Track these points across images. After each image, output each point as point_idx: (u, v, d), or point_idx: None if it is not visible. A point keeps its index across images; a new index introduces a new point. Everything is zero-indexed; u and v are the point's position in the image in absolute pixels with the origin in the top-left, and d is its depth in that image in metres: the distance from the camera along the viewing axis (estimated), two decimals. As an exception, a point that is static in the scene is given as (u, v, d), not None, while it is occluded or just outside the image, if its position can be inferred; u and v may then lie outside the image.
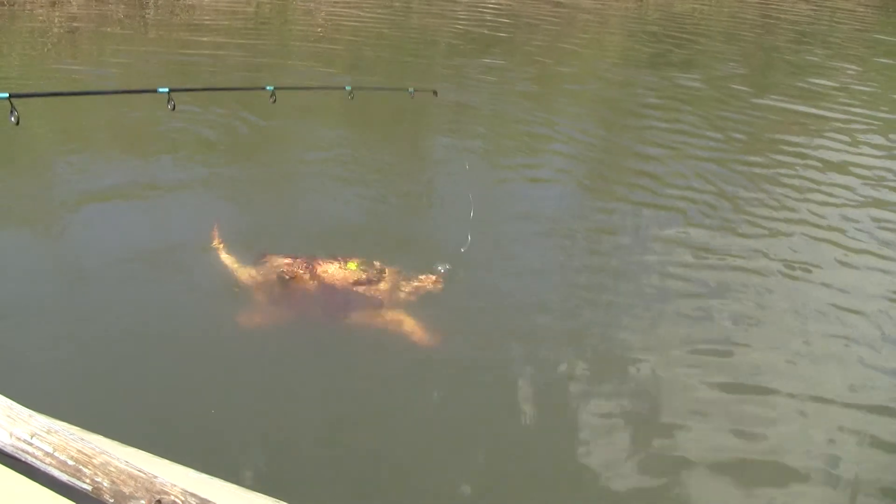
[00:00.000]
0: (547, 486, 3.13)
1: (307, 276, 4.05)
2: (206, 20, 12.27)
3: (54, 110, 7.25)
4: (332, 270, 4.10)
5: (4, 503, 1.67)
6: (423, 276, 4.22)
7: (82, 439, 1.62)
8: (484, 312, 4.24)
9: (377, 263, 4.23)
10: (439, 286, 4.18)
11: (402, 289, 4.11)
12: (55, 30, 10.60)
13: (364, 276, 4.07)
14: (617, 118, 9.05)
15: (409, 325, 3.83)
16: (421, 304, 4.05)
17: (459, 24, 13.66)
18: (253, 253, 4.32)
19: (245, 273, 4.15)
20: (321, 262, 4.16)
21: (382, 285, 4.08)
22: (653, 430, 3.49)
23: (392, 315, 3.91)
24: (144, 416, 3.06)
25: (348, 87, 4.47)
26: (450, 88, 9.47)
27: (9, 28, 10.72)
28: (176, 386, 3.39)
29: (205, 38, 10.81)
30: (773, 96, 10.26)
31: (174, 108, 3.31)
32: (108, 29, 11.01)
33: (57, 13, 11.45)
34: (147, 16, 11.85)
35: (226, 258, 4.29)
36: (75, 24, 10.71)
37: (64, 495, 1.66)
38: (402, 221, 5.52)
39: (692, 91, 10.44)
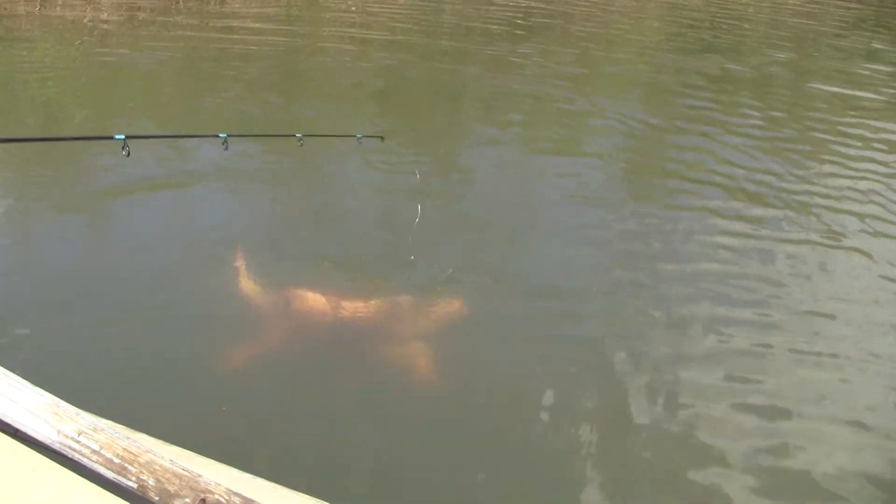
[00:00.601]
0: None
1: (327, 308, 3.91)
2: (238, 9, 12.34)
3: (92, 99, 7.39)
4: (353, 303, 3.95)
5: (53, 498, 1.70)
6: (445, 302, 4.11)
7: (128, 438, 1.63)
8: (511, 328, 4.12)
9: (398, 295, 4.11)
10: (464, 310, 4.06)
11: (425, 317, 4.00)
12: (86, 24, 10.74)
13: (385, 312, 3.95)
14: (660, 99, 8.99)
15: (428, 358, 3.72)
16: (444, 332, 3.96)
17: (494, 9, 13.58)
18: (273, 281, 4.19)
19: (264, 301, 4.04)
20: (341, 296, 4.01)
21: (404, 317, 3.96)
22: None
23: (413, 348, 3.80)
24: (188, 414, 3.09)
25: (298, 135, 4.39)
26: (488, 73, 9.48)
27: (41, 25, 10.89)
28: (213, 385, 3.42)
29: (237, 27, 10.89)
30: (821, 81, 10.05)
31: (129, 155, 3.04)
32: (141, 26, 11.14)
33: (89, 10, 11.58)
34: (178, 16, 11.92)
35: (245, 284, 4.16)
36: (105, 24, 10.83)
37: (111, 492, 1.67)
38: (432, 222, 5.36)
39: (737, 75, 10.28)
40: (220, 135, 3.65)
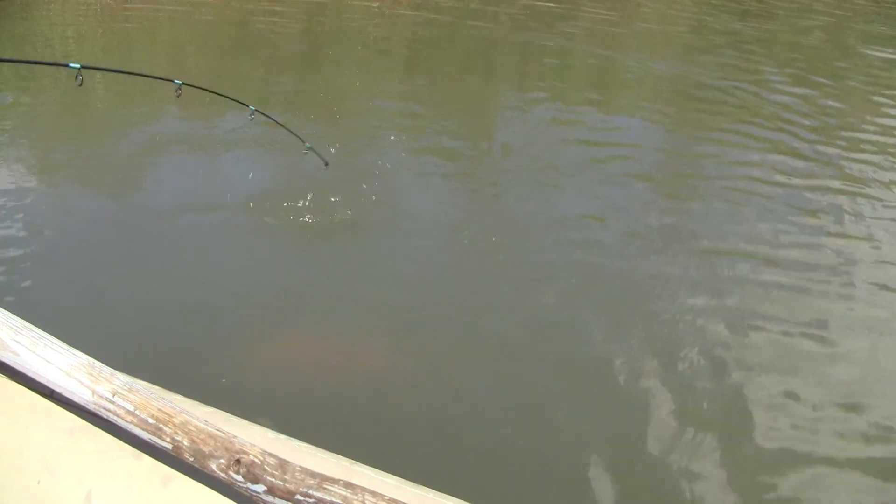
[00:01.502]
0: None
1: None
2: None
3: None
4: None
5: (89, 459, 1.70)
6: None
7: (163, 398, 1.62)
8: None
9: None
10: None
11: None
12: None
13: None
14: (699, 57, 8.89)
15: None
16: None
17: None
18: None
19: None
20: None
21: None
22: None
23: None
24: (220, 375, 3.10)
25: (250, 108, 3.76)
26: (521, 30, 9.40)
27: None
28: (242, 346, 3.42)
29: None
30: (861, 43, 9.82)
31: (81, 84, 2.77)
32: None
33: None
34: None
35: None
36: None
37: (146, 453, 1.67)
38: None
39: (776, 35, 10.10)
40: (176, 81, 3.36)
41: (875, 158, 5.95)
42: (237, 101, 3.75)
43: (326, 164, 4.52)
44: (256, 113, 3.82)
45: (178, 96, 3.32)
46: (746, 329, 3.83)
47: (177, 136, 5.71)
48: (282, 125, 4.03)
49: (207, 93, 3.53)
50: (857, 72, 8.63)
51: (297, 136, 4.17)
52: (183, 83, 3.27)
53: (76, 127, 6.11)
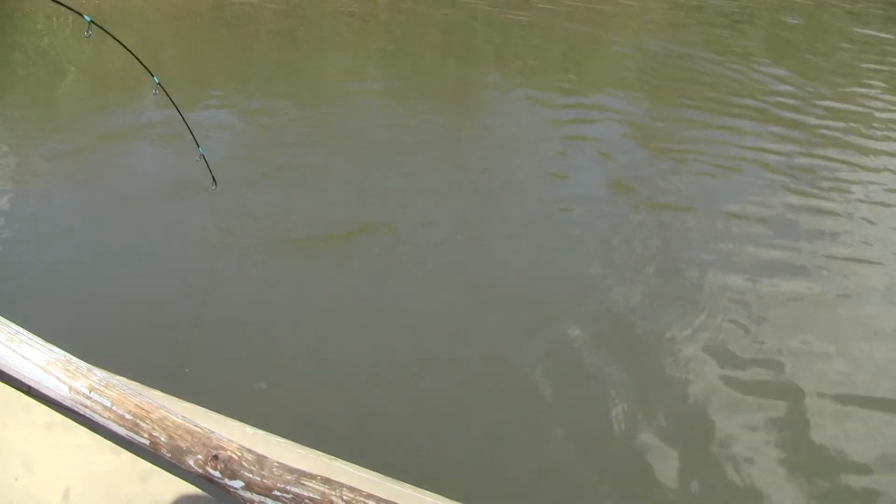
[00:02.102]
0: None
1: None
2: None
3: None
4: None
5: (67, 455, 1.69)
6: None
7: (140, 394, 1.61)
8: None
9: None
10: None
11: None
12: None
13: None
14: (680, 33, 9.01)
15: None
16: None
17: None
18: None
19: None
20: None
21: None
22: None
23: None
24: (199, 369, 3.07)
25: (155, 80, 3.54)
26: (502, 10, 9.46)
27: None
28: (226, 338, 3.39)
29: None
30: (839, 20, 10.05)
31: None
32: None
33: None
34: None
35: None
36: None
37: (124, 448, 1.66)
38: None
39: (754, 13, 10.23)
40: (86, 17, 3.17)
41: (861, 127, 6.18)
42: (145, 68, 3.46)
43: (214, 183, 4.14)
44: (160, 88, 3.57)
45: (87, 36, 3.18)
46: (743, 288, 3.92)
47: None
48: (181, 114, 3.70)
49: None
50: (839, 50, 8.75)
51: (194, 138, 3.80)
52: (92, 21, 3.13)
53: (39, 113, 6.00)
